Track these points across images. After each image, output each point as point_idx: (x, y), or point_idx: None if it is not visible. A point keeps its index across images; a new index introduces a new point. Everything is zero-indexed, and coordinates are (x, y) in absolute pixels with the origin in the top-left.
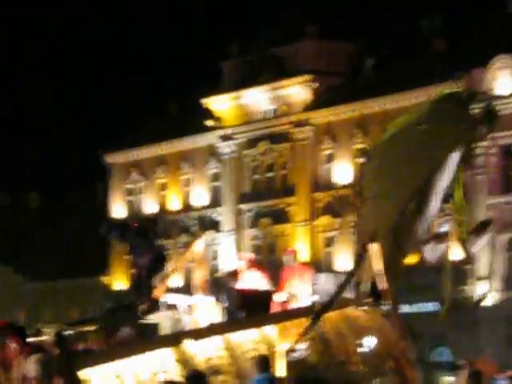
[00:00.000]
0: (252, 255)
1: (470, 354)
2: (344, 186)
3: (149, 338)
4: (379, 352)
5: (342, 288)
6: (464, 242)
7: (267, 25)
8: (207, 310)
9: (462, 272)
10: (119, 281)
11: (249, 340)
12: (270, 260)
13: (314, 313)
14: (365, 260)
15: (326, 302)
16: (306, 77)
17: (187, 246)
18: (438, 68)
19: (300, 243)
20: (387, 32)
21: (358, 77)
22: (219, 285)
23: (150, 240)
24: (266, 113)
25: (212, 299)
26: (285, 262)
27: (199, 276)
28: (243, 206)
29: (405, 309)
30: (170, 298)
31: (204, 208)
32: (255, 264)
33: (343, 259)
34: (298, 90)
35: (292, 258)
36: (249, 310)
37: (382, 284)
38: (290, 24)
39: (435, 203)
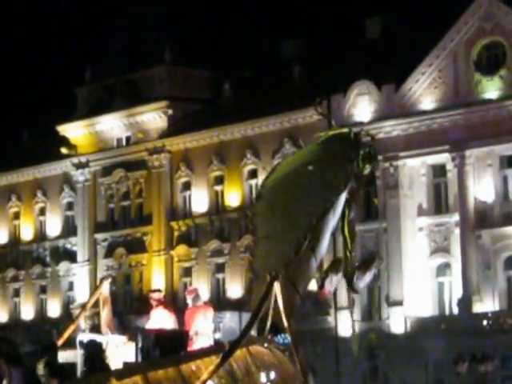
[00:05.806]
0: (161, 295)
1: None
2: (201, 215)
3: (69, 379)
4: None
5: (249, 326)
6: (350, 278)
7: (124, 50)
8: (118, 349)
9: (323, 302)
10: None
11: (167, 379)
12: (125, 291)
13: (224, 351)
14: (267, 298)
15: (235, 340)
16: (162, 103)
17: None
18: (297, 93)
19: (156, 273)
20: (246, 58)
21: (217, 103)
22: (128, 324)
23: None
24: (120, 140)
25: (123, 338)
26: (189, 301)
27: (106, 316)
28: (98, 236)
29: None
30: (85, 337)
31: (58, 238)
32: (162, 303)
33: (200, 289)
34: (153, 117)
35: (196, 297)
36: (163, 349)
37: (283, 321)
38: (147, 50)
39: (326, 241)
